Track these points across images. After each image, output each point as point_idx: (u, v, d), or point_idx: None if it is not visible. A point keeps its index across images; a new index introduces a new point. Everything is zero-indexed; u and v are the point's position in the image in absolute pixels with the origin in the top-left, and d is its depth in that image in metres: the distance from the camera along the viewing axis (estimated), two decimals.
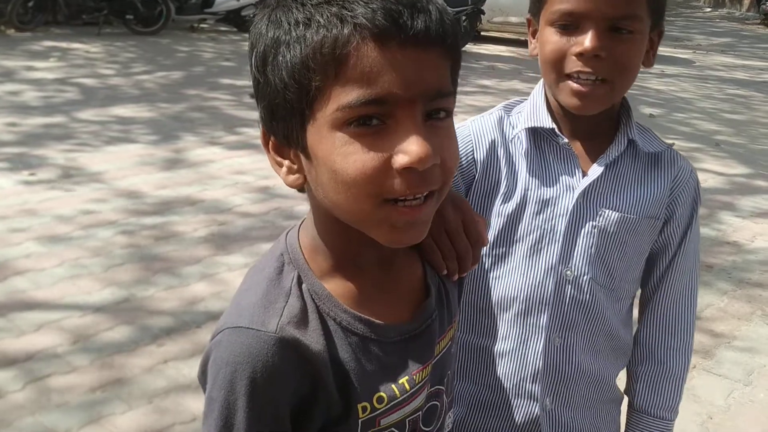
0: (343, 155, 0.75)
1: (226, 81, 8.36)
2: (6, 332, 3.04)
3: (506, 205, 1.26)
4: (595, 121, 1.24)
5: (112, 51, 9.80)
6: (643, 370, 1.34)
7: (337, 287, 0.87)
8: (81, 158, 5.32)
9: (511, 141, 1.28)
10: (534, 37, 1.27)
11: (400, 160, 0.74)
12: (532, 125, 1.26)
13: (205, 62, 9.62)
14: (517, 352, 1.29)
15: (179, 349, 3.02)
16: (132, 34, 11.05)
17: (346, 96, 0.74)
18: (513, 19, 13.27)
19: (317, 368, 0.83)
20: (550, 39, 1.18)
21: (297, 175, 0.84)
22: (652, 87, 9.86)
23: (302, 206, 4.61)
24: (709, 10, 24.61)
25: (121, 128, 6.19)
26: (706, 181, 6.02)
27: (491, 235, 1.27)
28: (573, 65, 1.16)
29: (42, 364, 2.85)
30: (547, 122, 1.25)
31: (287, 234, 0.92)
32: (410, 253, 0.95)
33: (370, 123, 0.75)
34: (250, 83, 0.83)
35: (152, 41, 10.78)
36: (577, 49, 1.14)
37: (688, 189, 1.30)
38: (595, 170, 1.24)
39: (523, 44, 14.24)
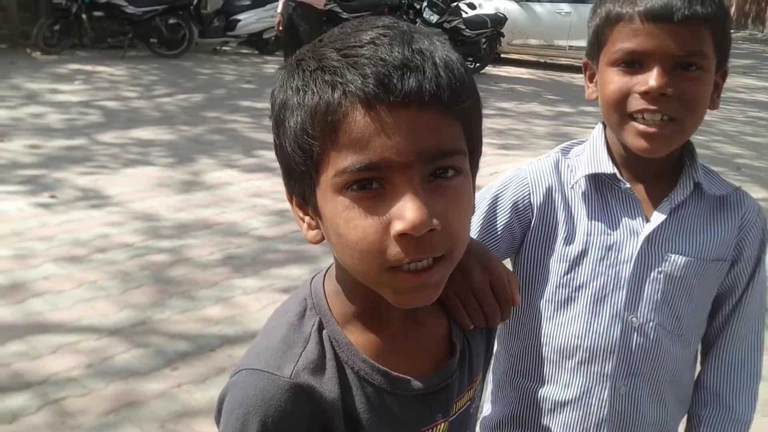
0: (345, 220, 0.76)
1: (246, 103, 8.44)
2: (23, 355, 3.06)
3: (568, 249, 1.24)
4: (658, 164, 1.21)
5: (135, 74, 9.95)
6: (707, 414, 1.30)
7: (357, 337, 0.87)
8: (100, 180, 5.38)
9: (571, 187, 1.26)
10: (591, 81, 1.25)
11: (396, 226, 0.73)
12: (593, 171, 1.23)
13: (225, 84, 9.73)
14: (581, 400, 1.26)
15: (193, 372, 3.03)
16: (156, 57, 11.21)
17: (342, 162, 0.74)
18: (533, 42, 13.30)
19: (330, 416, 0.84)
20: (612, 79, 1.16)
21: (316, 231, 0.85)
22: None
23: None
24: (731, 31, 24.47)
25: (140, 150, 6.26)
26: None
27: (553, 280, 1.26)
28: (637, 104, 1.14)
29: (57, 387, 2.87)
30: (608, 167, 1.22)
31: (313, 278, 0.93)
32: (436, 308, 0.94)
33: (370, 187, 0.75)
34: (269, 106, 0.85)
35: (175, 64, 10.92)
36: (642, 87, 1.12)
37: (755, 229, 1.26)
38: (660, 215, 1.22)
39: (543, 66, 14.32)
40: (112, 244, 4.25)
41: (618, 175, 1.22)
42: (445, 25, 11.49)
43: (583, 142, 1.31)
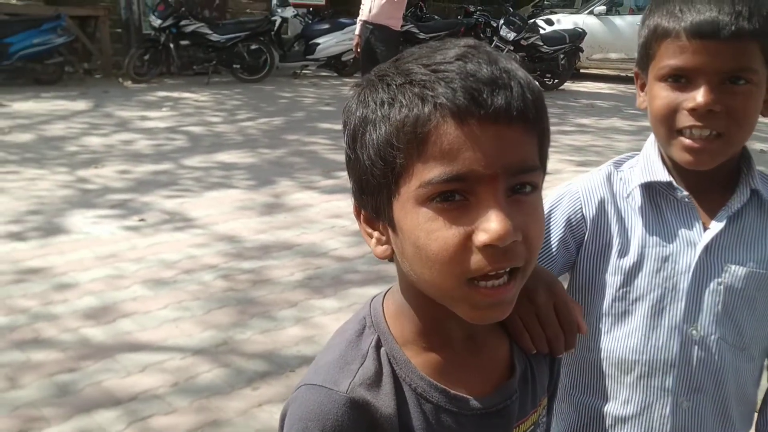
0: (427, 231, 0.77)
1: (325, 125, 8.59)
2: (113, 372, 3.19)
3: (623, 261, 1.23)
4: (713, 173, 1.19)
5: (219, 99, 10.27)
6: None
7: (416, 355, 0.89)
8: (186, 204, 5.58)
9: (624, 198, 1.25)
10: (642, 90, 1.25)
11: (480, 237, 0.75)
12: (648, 180, 1.23)
13: (305, 107, 9.93)
14: (641, 416, 1.25)
15: (273, 392, 3.09)
16: (239, 82, 11.56)
17: (428, 173, 0.76)
18: (613, 56, 13.07)
19: (386, 431, 0.86)
20: (660, 94, 1.16)
21: (385, 246, 0.86)
22: (763, 121, 9.42)
23: None
24: None
25: (223, 174, 6.45)
26: None
27: (609, 293, 1.25)
28: (685, 120, 1.13)
29: (144, 404, 2.97)
30: (663, 176, 1.22)
31: (373, 299, 0.95)
32: (498, 330, 0.95)
33: (453, 199, 0.76)
34: (343, 120, 0.88)
35: (257, 88, 11.22)
36: (689, 104, 1.12)
37: None
38: (718, 224, 1.20)
39: (624, 80, 14.00)
40: (197, 266, 4.39)
41: (674, 183, 1.21)
42: (522, 42, 11.43)
43: (636, 155, 1.30)
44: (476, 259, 0.76)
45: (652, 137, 1.28)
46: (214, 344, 3.48)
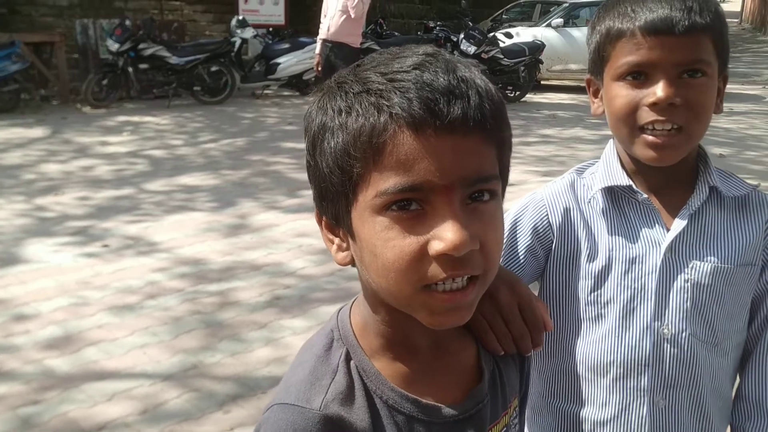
0: (384, 240, 0.77)
1: (288, 145, 8.55)
2: (79, 403, 3.11)
3: (592, 266, 1.23)
4: (672, 172, 1.21)
5: (180, 122, 10.17)
6: (752, 426, 1.25)
7: (385, 366, 0.88)
8: (148, 228, 5.49)
9: (587, 203, 1.26)
10: (596, 97, 1.26)
11: (435, 246, 0.75)
12: (608, 185, 1.24)
13: (268, 127, 9.88)
14: (619, 418, 1.24)
15: (245, 415, 3.03)
16: (200, 105, 11.46)
17: (384, 183, 0.75)
18: (573, 66, 13.25)
19: None
20: (619, 93, 1.17)
21: (346, 253, 0.85)
22: (721, 126, 9.62)
23: None
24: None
25: (186, 197, 6.37)
26: None
27: (581, 297, 1.25)
28: (647, 116, 1.14)
29: None
30: (624, 179, 1.23)
31: (339, 311, 0.93)
32: (464, 334, 0.94)
33: (409, 208, 0.76)
34: (304, 127, 0.86)
35: (218, 110, 11.15)
36: (650, 99, 1.13)
37: None
38: (679, 223, 1.21)
39: (584, 90, 14.05)
40: (163, 290, 4.31)
41: (634, 186, 1.22)
42: (483, 55, 11.53)
43: (597, 161, 1.31)
44: (432, 268, 0.76)
45: (610, 143, 1.29)
46: (183, 369, 3.41)
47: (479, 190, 0.78)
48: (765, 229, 1.24)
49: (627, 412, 1.24)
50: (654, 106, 1.13)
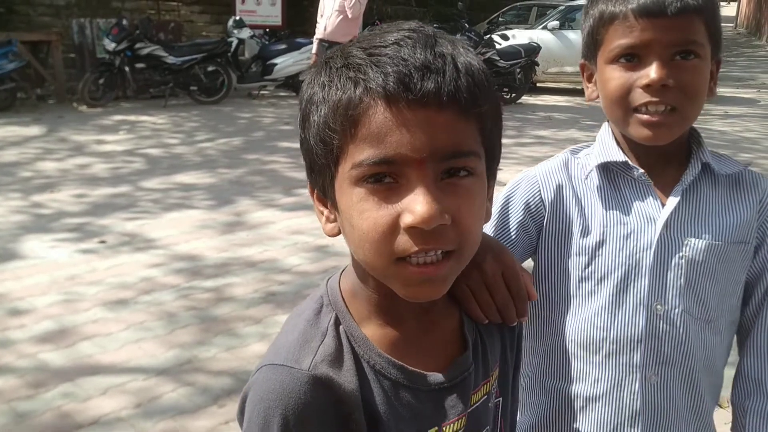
0: (359, 211, 0.79)
1: (284, 144, 8.56)
2: (73, 397, 3.11)
3: (586, 242, 1.25)
4: (666, 151, 1.23)
5: (177, 121, 10.18)
6: (752, 404, 1.25)
7: (373, 332, 0.89)
8: (144, 225, 5.49)
9: (583, 180, 1.27)
10: (590, 82, 1.28)
11: (406, 219, 0.76)
12: (604, 161, 1.25)
13: (264, 127, 9.89)
14: (611, 394, 1.25)
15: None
16: (196, 104, 11.46)
17: (359, 155, 0.78)
18: (568, 69, 13.27)
19: (350, 408, 0.85)
20: (613, 75, 1.18)
21: (333, 224, 0.88)
22: (716, 129, 9.66)
23: None
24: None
25: (183, 195, 6.38)
26: None
27: (575, 273, 1.26)
28: (640, 97, 1.16)
29: (107, 428, 2.90)
30: (619, 156, 1.24)
31: (329, 279, 0.95)
32: (448, 303, 0.96)
33: (384, 180, 0.78)
34: (298, 102, 0.88)
35: (215, 110, 11.15)
36: (643, 81, 1.14)
37: None
38: (674, 199, 1.23)
39: (580, 93, 14.24)
40: (158, 286, 4.32)
41: (629, 162, 1.24)
42: (479, 57, 11.55)
43: (592, 144, 1.33)
44: (403, 240, 0.77)
45: (605, 125, 1.31)
46: (178, 363, 3.41)
47: (455, 167, 0.79)
48: (759, 208, 1.25)
49: (619, 388, 1.25)
50: (647, 87, 1.14)
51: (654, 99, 1.15)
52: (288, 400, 0.82)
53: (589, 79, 1.28)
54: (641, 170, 1.23)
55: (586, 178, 1.27)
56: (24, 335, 3.67)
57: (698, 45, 1.15)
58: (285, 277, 4.50)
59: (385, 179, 0.78)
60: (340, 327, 0.89)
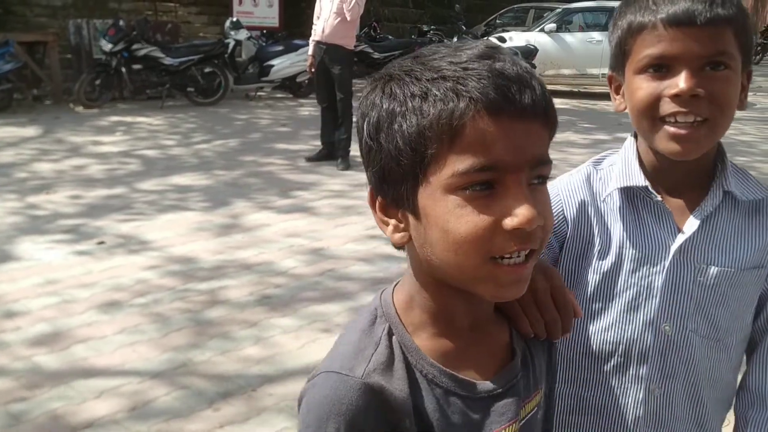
0: (457, 216, 0.83)
1: (281, 146, 8.56)
2: (68, 399, 3.11)
3: (602, 262, 1.25)
4: (689, 171, 1.22)
5: (173, 122, 10.17)
6: (754, 415, 1.27)
7: (425, 342, 0.93)
8: (140, 227, 5.49)
9: (603, 200, 1.27)
10: (618, 93, 1.26)
11: (510, 222, 0.82)
12: (625, 185, 1.24)
13: (261, 129, 9.88)
14: (616, 401, 1.29)
15: (234, 412, 3.03)
16: (193, 106, 11.46)
17: (461, 163, 0.82)
18: (566, 71, 13.30)
19: (401, 415, 0.88)
20: (641, 85, 1.16)
21: (403, 234, 0.91)
22: None
23: (355, 267, 4.65)
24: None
25: (179, 196, 6.37)
26: None
27: (588, 290, 1.28)
28: (669, 107, 1.14)
29: (101, 431, 2.89)
30: (640, 180, 1.23)
31: (382, 292, 0.99)
32: (498, 318, 1.00)
33: (482, 188, 0.83)
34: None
35: (212, 111, 11.14)
36: (672, 90, 1.12)
37: None
38: (691, 226, 1.22)
39: (577, 95, 14.27)
40: (153, 288, 4.31)
41: (650, 187, 1.23)
42: None
43: (616, 152, 1.32)
44: (501, 241, 0.83)
45: (630, 140, 1.29)
46: (173, 367, 3.41)
47: (539, 175, 0.86)
48: None
49: (624, 396, 1.28)
50: (676, 97, 1.12)
51: (683, 109, 1.13)
52: (341, 405, 0.86)
53: (617, 91, 1.26)
54: (659, 198, 1.23)
55: (607, 197, 1.27)
56: (18, 337, 3.66)
57: (729, 56, 1.13)
58: (280, 279, 4.50)
59: (484, 186, 0.83)
60: (393, 337, 0.92)
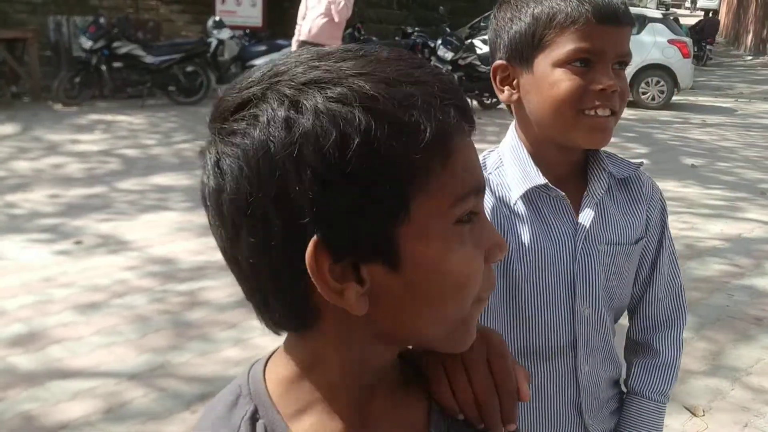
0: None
1: None
2: (42, 401, 3.05)
3: (515, 266, 1.27)
4: (577, 161, 1.30)
5: (154, 122, 10.07)
6: (638, 360, 1.45)
7: (308, 428, 0.71)
8: (119, 227, 5.42)
9: (513, 204, 1.28)
10: (507, 84, 1.26)
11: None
12: (529, 187, 1.26)
13: None
14: (555, 388, 1.35)
15: None
16: (174, 105, 11.35)
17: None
18: None
19: None
20: (564, 78, 1.19)
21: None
22: (693, 137, 9.75)
23: None
24: (750, 58, 24.39)
25: (159, 196, 6.31)
26: (752, 231, 5.86)
27: (508, 293, 1.29)
28: (591, 101, 1.19)
29: None
30: (539, 178, 1.26)
31: (252, 365, 0.77)
32: (414, 388, 0.76)
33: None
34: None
35: (193, 111, 11.05)
36: (599, 86, 1.19)
37: (655, 201, 1.38)
38: (589, 212, 1.29)
39: None
40: (131, 289, 4.25)
41: (549, 184, 1.26)
42: (460, 61, 11.55)
43: (492, 151, 1.34)
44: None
45: (514, 140, 1.30)
46: (150, 368, 3.36)
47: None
48: (646, 205, 1.36)
49: (560, 382, 1.35)
50: (602, 92, 1.19)
51: (606, 103, 1.20)
52: None
53: (507, 82, 1.26)
54: (561, 193, 1.27)
55: (515, 205, 1.28)
56: None
57: (630, 56, 1.24)
58: None
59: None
60: (259, 422, 0.71)
